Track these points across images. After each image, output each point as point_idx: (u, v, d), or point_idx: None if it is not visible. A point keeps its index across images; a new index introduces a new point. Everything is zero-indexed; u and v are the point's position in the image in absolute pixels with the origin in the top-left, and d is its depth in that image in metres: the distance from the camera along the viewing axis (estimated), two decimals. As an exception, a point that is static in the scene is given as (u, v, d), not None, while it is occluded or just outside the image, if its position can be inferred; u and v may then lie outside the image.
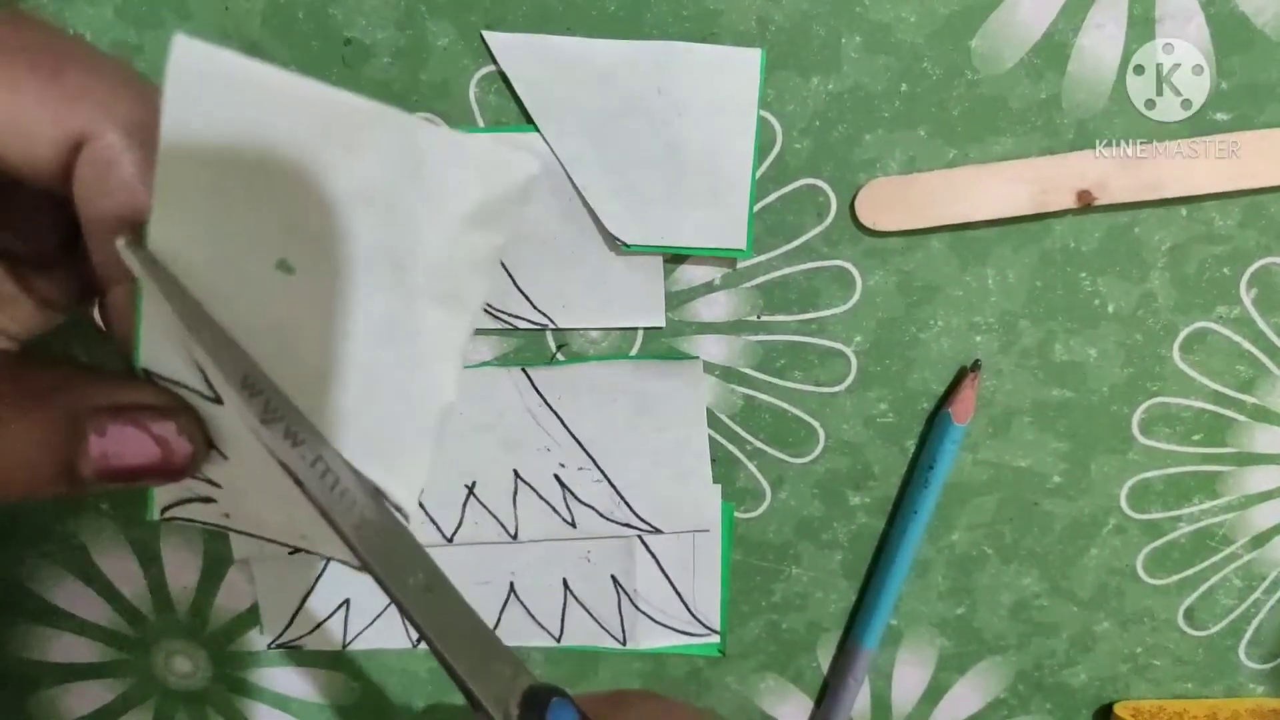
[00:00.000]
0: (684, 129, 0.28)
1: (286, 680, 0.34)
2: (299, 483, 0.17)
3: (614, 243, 0.29)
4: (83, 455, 0.17)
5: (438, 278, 0.18)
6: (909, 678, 0.34)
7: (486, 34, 0.27)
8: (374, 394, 0.18)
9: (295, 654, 0.34)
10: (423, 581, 0.18)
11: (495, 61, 0.28)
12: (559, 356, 0.31)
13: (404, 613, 0.18)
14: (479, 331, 0.30)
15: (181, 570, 0.33)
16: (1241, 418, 0.32)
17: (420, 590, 0.18)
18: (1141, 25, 0.28)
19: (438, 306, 0.18)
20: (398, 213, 0.17)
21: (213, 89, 0.15)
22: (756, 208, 0.29)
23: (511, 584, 0.33)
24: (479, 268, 0.19)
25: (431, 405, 0.19)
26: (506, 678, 0.19)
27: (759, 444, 0.32)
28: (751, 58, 0.28)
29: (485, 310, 0.30)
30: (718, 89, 0.28)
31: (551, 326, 0.30)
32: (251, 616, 0.33)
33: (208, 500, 0.20)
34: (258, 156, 0.15)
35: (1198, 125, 0.29)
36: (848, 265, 0.30)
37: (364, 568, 0.17)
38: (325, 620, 0.33)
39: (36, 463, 0.17)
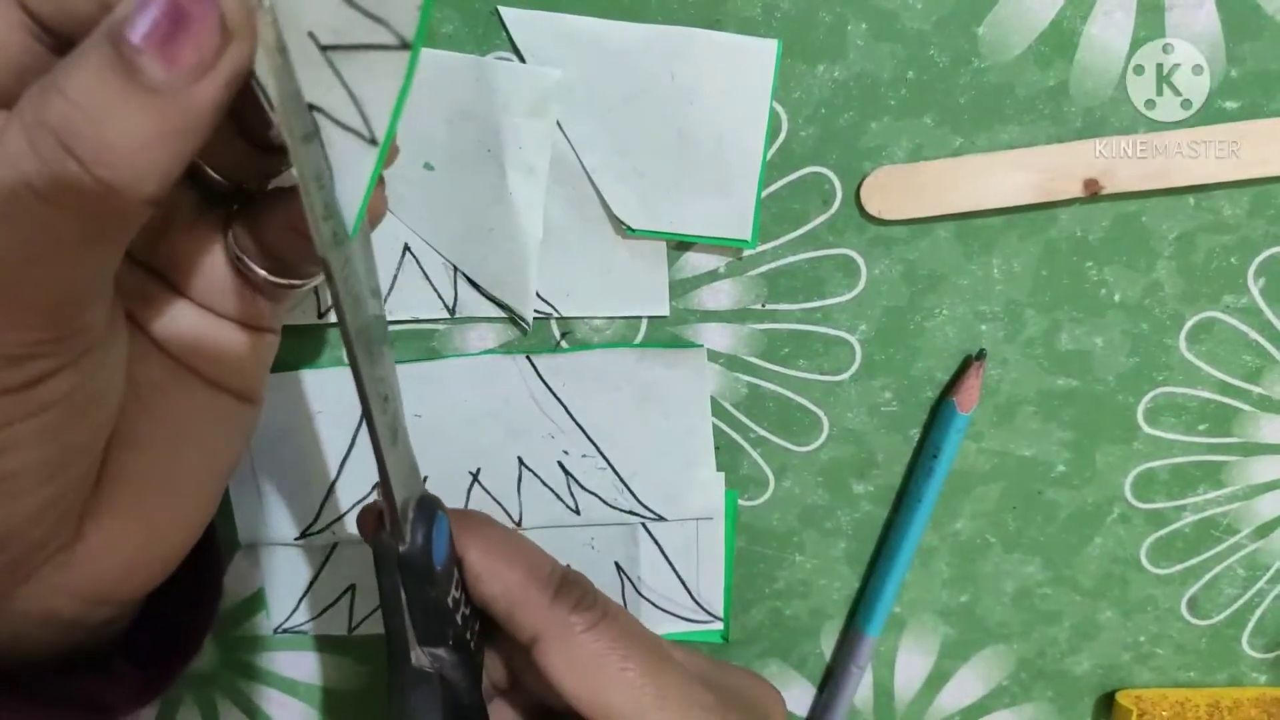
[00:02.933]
0: (695, 116, 0.28)
1: (294, 664, 0.35)
2: (329, 274, 0.18)
3: (619, 226, 0.29)
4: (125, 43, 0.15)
5: (518, 154, 0.28)
6: (912, 665, 0.35)
7: (502, 9, 0.27)
8: (493, 240, 0.28)
9: (302, 639, 0.34)
10: (383, 393, 0.21)
11: (509, 37, 0.27)
12: (563, 344, 0.31)
13: (365, 406, 0.21)
14: (483, 320, 0.30)
15: (188, 555, 0.33)
16: (1247, 408, 0.32)
17: (380, 399, 0.21)
18: (1151, 13, 0.28)
19: (520, 175, 0.28)
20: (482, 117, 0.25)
21: None
22: (762, 195, 0.29)
23: (516, 570, 0.33)
24: (541, 145, 0.28)
25: (530, 243, 0.29)
26: (414, 488, 0.24)
27: (763, 432, 0.32)
28: (767, 48, 0.28)
29: (490, 300, 0.30)
30: (731, 78, 0.28)
31: (556, 315, 0.30)
32: (258, 601, 0.33)
33: None
34: None
35: (1206, 115, 0.28)
36: (853, 254, 0.30)
37: (349, 346, 0.20)
38: (331, 605, 0.33)
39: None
